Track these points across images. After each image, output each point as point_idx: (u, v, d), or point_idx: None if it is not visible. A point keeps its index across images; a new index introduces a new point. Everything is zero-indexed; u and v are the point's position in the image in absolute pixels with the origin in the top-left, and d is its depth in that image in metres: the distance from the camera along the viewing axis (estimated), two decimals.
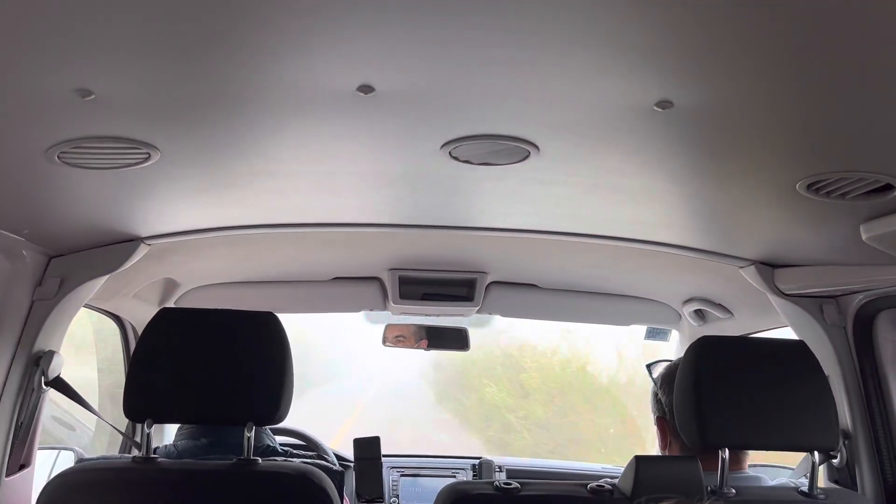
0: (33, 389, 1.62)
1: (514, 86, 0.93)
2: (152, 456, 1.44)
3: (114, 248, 1.67)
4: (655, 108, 0.94)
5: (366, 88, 0.92)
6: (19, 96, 0.91)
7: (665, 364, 1.91)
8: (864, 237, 1.31)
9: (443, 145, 1.13)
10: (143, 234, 1.67)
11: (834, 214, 1.29)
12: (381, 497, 2.56)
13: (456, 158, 1.18)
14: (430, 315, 2.62)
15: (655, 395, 1.79)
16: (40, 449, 1.78)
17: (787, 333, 1.95)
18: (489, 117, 1.03)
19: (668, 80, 0.88)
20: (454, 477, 2.69)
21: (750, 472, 1.67)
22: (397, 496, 2.69)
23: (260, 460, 1.44)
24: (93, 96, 0.91)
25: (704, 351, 1.53)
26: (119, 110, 0.97)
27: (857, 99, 0.90)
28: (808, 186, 1.17)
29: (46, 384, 1.63)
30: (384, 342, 2.99)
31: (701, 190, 1.31)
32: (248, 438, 1.42)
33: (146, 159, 1.15)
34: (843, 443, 1.73)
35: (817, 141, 1.03)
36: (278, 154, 1.21)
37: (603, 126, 1.03)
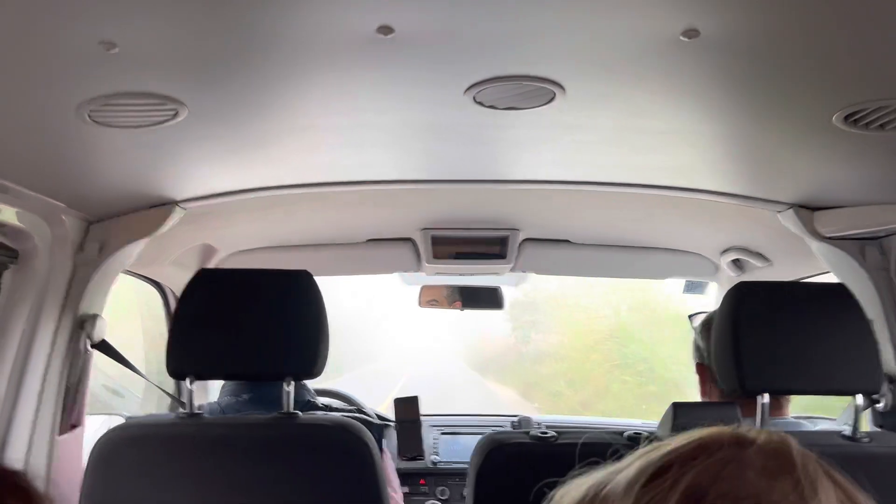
0: (80, 352, 1.67)
1: (536, 22, 0.91)
2: (196, 412, 1.48)
3: (150, 213, 1.70)
4: (682, 37, 0.92)
5: (385, 30, 0.91)
6: (46, 51, 0.93)
7: (706, 314, 1.89)
8: None
9: (466, 89, 1.12)
10: (178, 198, 1.69)
11: (873, 147, 1.25)
12: (422, 454, 2.60)
13: (480, 104, 1.17)
14: (464, 275, 2.62)
15: (695, 342, 1.78)
16: (91, 415, 1.84)
17: (829, 280, 1.91)
18: (512, 57, 1.02)
19: (693, 6, 0.86)
20: None
21: (791, 419, 1.65)
22: (437, 453, 2.73)
23: (300, 413, 1.47)
24: (117, 49, 0.92)
25: (741, 296, 1.50)
26: (144, 64, 0.98)
27: (893, 21, 0.86)
28: (846, 118, 1.13)
29: (92, 346, 1.69)
30: (419, 304, 3.01)
31: (732, 128, 1.28)
32: (288, 393, 1.45)
33: (174, 115, 1.16)
34: (889, 386, 1.70)
35: (853, 68, 0.99)
36: (303, 107, 1.21)
37: (628, 61, 1.01)
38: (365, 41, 0.94)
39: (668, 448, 0.48)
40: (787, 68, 1.02)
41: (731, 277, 2.36)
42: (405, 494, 2.54)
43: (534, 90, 1.11)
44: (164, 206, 1.70)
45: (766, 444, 0.46)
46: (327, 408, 1.80)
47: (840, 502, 0.45)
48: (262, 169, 1.60)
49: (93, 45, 0.91)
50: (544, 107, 1.17)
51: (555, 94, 1.12)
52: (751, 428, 0.48)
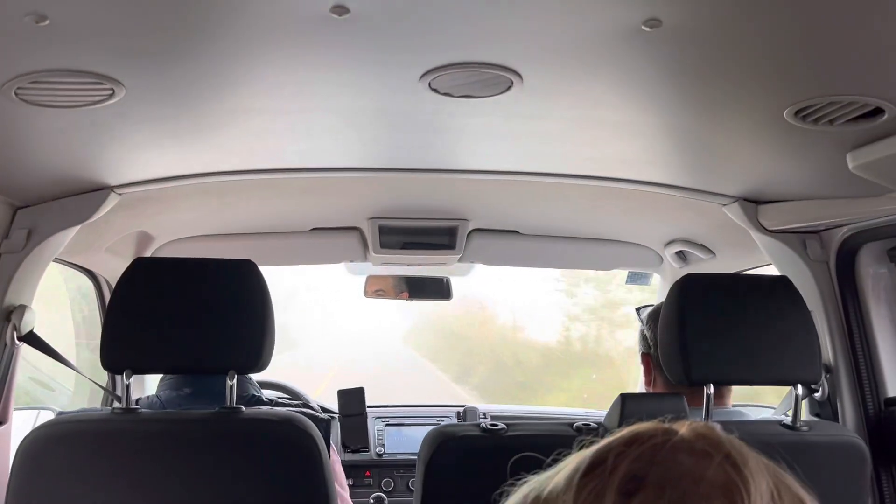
0: (6, 345, 1.58)
1: (496, 8, 0.89)
2: (133, 407, 1.41)
3: (83, 198, 1.61)
4: (643, 27, 0.90)
5: (340, 9, 0.87)
6: None
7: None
8: (850, 166, 1.29)
9: (422, 75, 1.08)
10: (113, 183, 1.61)
11: (821, 143, 1.27)
12: (367, 447, 2.57)
13: (436, 91, 1.14)
14: (412, 265, 2.59)
15: (642, 332, 1.80)
16: (18, 409, 1.74)
17: (770, 273, 1.96)
18: (470, 43, 0.99)
19: None
20: (438, 425, 2.70)
21: (732, 408, 1.69)
22: (383, 445, 2.70)
23: (244, 408, 1.42)
24: (47, 21, 0.85)
25: (688, 288, 1.52)
26: (77, 39, 0.92)
27: (848, 18, 0.87)
28: (797, 113, 1.15)
29: (19, 339, 1.59)
30: (365, 295, 2.97)
31: (687, 121, 1.28)
32: (231, 387, 1.40)
33: (110, 96, 1.09)
34: (825, 376, 1.75)
35: (809, 63, 1.00)
36: (250, 89, 1.16)
37: (589, 50, 0.99)
38: (318, 21, 0.90)
39: (603, 442, 0.51)
40: (744, 62, 1.02)
41: (675, 269, 2.39)
42: (350, 487, 2.50)
43: (491, 78, 1.08)
44: (98, 191, 1.61)
45: (693, 429, 0.50)
46: (272, 402, 1.75)
47: (766, 467, 0.48)
48: (203, 154, 1.53)
49: (21, 17, 0.84)
50: (501, 95, 1.15)
51: (512, 82, 1.09)
52: (677, 419, 0.52)
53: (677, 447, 0.48)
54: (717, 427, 0.50)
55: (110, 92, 1.08)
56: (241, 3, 0.86)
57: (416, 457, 1.57)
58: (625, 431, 0.50)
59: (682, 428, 0.50)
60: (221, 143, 1.45)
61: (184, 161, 1.56)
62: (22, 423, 1.76)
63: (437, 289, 2.87)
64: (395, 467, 2.66)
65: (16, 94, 1.04)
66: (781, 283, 1.57)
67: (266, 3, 0.86)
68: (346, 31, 0.93)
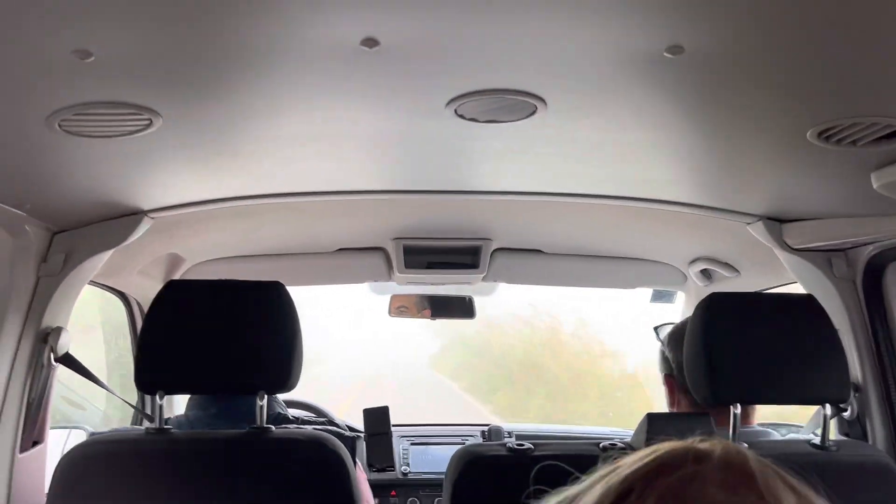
0: (42, 366, 1.62)
1: (521, 36, 0.91)
2: (165, 427, 1.44)
3: (117, 223, 1.66)
4: (666, 54, 0.92)
5: (370, 42, 0.90)
6: (19, 60, 0.90)
7: (671, 325, 1.91)
8: (874, 185, 1.29)
9: (448, 102, 1.11)
10: (147, 208, 1.65)
11: (845, 163, 1.28)
12: (392, 465, 2.58)
13: (461, 116, 1.16)
14: (435, 284, 2.61)
15: (662, 353, 1.79)
16: (51, 429, 1.78)
17: (795, 290, 1.95)
18: (495, 71, 1.01)
19: (678, 23, 0.86)
20: (464, 443, 2.70)
21: (758, 427, 1.68)
22: (408, 464, 2.71)
23: (273, 428, 1.44)
24: (92, 58, 0.89)
25: (714, 307, 1.52)
26: (119, 73, 0.96)
27: (871, 41, 0.88)
28: (820, 134, 1.16)
29: (56, 360, 1.63)
30: (389, 313, 2.99)
31: (710, 142, 1.30)
32: (261, 407, 1.43)
33: (148, 126, 1.13)
34: (854, 395, 1.73)
35: (831, 86, 1.01)
36: (281, 118, 1.19)
37: (612, 76, 1.01)
38: (348, 52, 0.93)
39: (628, 471, 0.48)
40: (766, 85, 1.03)
41: (699, 287, 2.39)
42: None
43: (515, 104, 1.11)
44: (132, 215, 1.66)
45: (723, 458, 0.47)
46: (298, 421, 1.77)
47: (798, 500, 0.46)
48: (233, 178, 1.57)
49: (67, 55, 0.88)
50: (525, 120, 1.17)
51: (536, 107, 1.12)
52: (705, 439, 0.49)
53: (707, 480, 0.46)
54: (749, 453, 0.48)
55: (148, 122, 1.12)
56: (276, 37, 0.89)
57: (441, 476, 1.58)
58: (651, 454, 0.49)
59: (715, 450, 0.48)
60: (252, 168, 1.49)
61: (215, 186, 1.60)
62: (54, 442, 1.80)
63: (460, 307, 2.88)
64: (420, 486, 2.66)
65: (59, 125, 1.08)
66: (807, 301, 1.56)
67: (299, 36, 0.89)
68: (375, 61, 0.96)
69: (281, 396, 1.85)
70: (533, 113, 1.14)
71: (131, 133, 1.15)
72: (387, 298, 2.89)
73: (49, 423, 1.71)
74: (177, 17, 0.83)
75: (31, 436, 1.63)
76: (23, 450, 1.59)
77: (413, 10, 0.84)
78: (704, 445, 0.49)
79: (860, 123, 1.10)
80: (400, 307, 2.98)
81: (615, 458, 0.51)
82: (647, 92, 1.06)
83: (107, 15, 0.82)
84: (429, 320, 3.00)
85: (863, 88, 1.01)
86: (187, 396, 1.76)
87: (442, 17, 0.86)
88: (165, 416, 1.50)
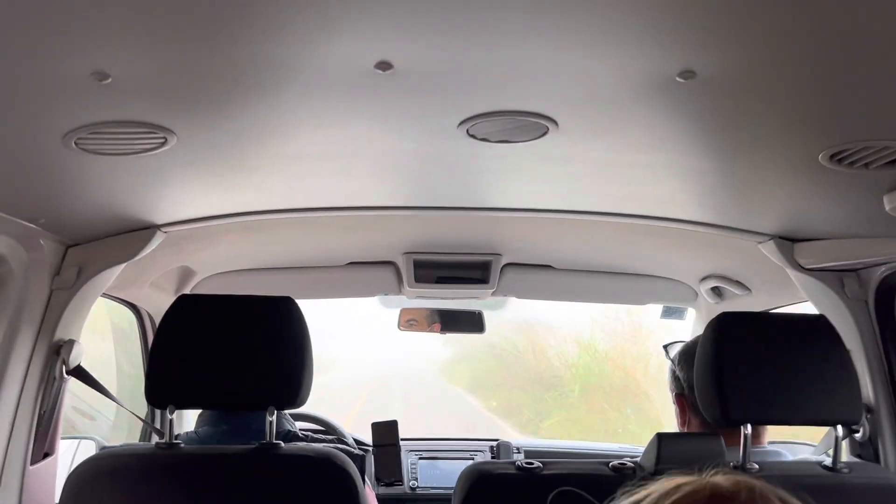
0: (55, 378, 1.63)
1: (534, 59, 0.92)
2: (175, 442, 1.44)
3: (130, 236, 1.67)
4: (678, 78, 0.93)
5: (384, 65, 0.91)
6: (37, 81, 0.91)
7: (681, 343, 1.90)
8: (887, 208, 1.29)
9: (460, 123, 1.12)
10: (160, 222, 1.67)
11: (856, 185, 1.27)
12: (401, 480, 2.57)
13: (473, 136, 1.17)
14: (445, 298, 2.62)
15: (673, 372, 1.78)
16: (61, 439, 1.79)
17: (806, 309, 1.94)
18: (508, 93, 1.02)
19: (690, 48, 0.87)
20: (472, 459, 2.70)
21: (769, 447, 1.66)
22: (416, 478, 2.70)
23: (282, 444, 1.44)
24: (109, 79, 0.90)
25: (725, 326, 1.52)
26: (136, 93, 0.97)
27: (881, 66, 0.88)
28: (831, 157, 1.15)
29: (67, 373, 1.64)
30: (398, 326, 2.99)
31: (721, 163, 1.30)
32: (271, 423, 1.43)
33: (163, 144, 1.14)
34: (866, 416, 1.72)
35: (842, 109, 1.01)
36: (295, 136, 1.20)
37: (624, 99, 1.02)
38: (363, 75, 0.94)
39: None
40: (777, 109, 1.03)
41: (710, 304, 2.38)
42: None
43: (528, 125, 1.11)
44: (145, 229, 1.67)
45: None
46: (308, 438, 1.77)
47: None
48: (246, 194, 1.58)
49: (85, 76, 0.89)
50: (537, 140, 1.18)
51: (548, 128, 1.12)
52: (718, 471, 0.49)
53: None
54: (757, 486, 0.48)
55: (163, 140, 1.13)
56: (292, 59, 0.90)
57: (449, 491, 1.58)
58: (668, 495, 0.49)
59: (729, 487, 0.48)
60: (265, 184, 1.50)
61: (228, 201, 1.61)
62: (63, 453, 1.81)
63: (469, 322, 2.88)
64: (428, 502, 2.66)
65: (75, 143, 1.10)
66: (819, 321, 1.56)
67: (314, 58, 0.90)
68: (389, 83, 0.96)
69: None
70: (545, 134, 1.15)
71: (147, 151, 1.16)
72: (396, 312, 2.89)
73: (60, 434, 1.72)
74: (193, 40, 0.85)
75: (43, 447, 1.64)
76: (34, 461, 1.59)
77: (427, 35, 0.85)
78: (727, 485, 0.48)
79: (872, 147, 1.10)
80: (410, 321, 2.98)
81: (628, 491, 0.51)
82: (659, 115, 1.07)
83: (125, 38, 0.83)
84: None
85: (873, 112, 1.01)
86: (197, 411, 1.76)
87: (455, 41, 0.86)
88: (175, 430, 1.50)
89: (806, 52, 0.86)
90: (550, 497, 1.37)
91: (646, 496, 0.49)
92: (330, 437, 2.26)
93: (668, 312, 2.73)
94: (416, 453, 2.78)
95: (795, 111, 1.03)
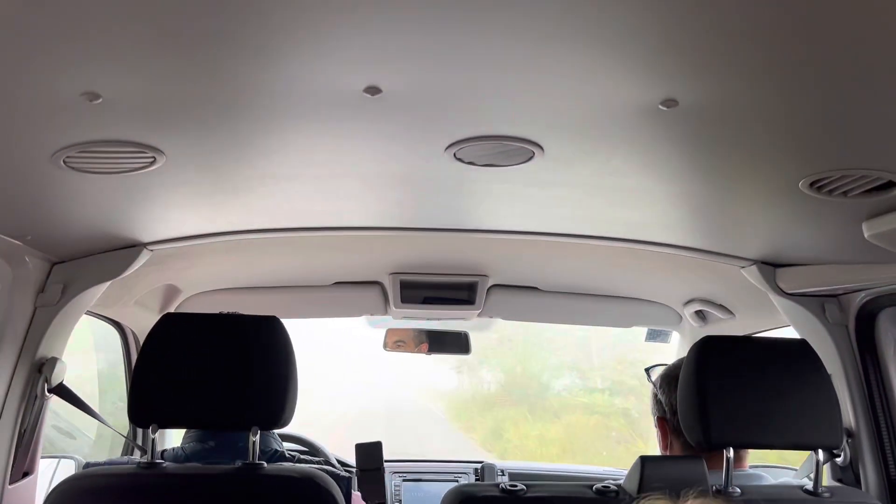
0: (36, 396, 1.62)
1: (520, 86, 0.93)
2: (157, 461, 1.43)
3: (116, 254, 1.67)
4: (661, 106, 0.95)
5: (373, 90, 0.92)
6: (28, 100, 0.92)
7: (662, 367, 1.91)
8: (866, 235, 1.31)
9: (447, 147, 1.13)
10: (146, 240, 1.67)
11: (836, 212, 1.30)
12: (384, 502, 2.55)
13: (460, 160, 1.18)
14: (431, 319, 2.62)
15: (655, 395, 1.79)
16: (41, 458, 1.77)
17: (789, 333, 1.96)
18: (495, 118, 1.04)
19: (673, 78, 0.89)
20: (456, 481, 2.69)
21: (751, 471, 1.67)
22: (400, 500, 2.69)
23: (266, 464, 1.43)
24: (100, 100, 0.91)
25: (707, 350, 1.53)
26: (126, 114, 0.98)
27: (861, 96, 0.90)
28: (811, 184, 1.18)
29: (49, 391, 1.63)
30: (384, 347, 2.99)
31: (704, 189, 1.32)
32: (254, 442, 1.42)
33: (151, 163, 1.15)
34: (847, 441, 1.73)
35: (821, 138, 1.04)
36: (283, 157, 1.21)
37: (608, 126, 1.04)
38: (351, 99, 0.95)
39: None
40: (758, 137, 1.06)
41: (694, 328, 2.40)
42: None
43: (514, 150, 1.13)
44: (131, 247, 1.67)
45: None
46: (294, 458, 1.76)
47: None
48: (233, 214, 1.58)
49: (76, 96, 0.90)
50: (523, 164, 1.19)
51: (534, 153, 1.14)
52: (696, 493, 0.49)
53: None
54: None
55: (152, 160, 1.14)
56: (282, 83, 0.92)
57: None
58: None
59: None
60: (252, 204, 1.50)
61: (214, 220, 1.62)
62: (42, 472, 1.79)
63: (456, 343, 2.89)
64: None
65: (64, 162, 1.10)
66: (801, 346, 1.57)
67: (304, 82, 0.92)
68: (377, 107, 0.98)
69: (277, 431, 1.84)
70: (531, 158, 1.16)
71: (135, 170, 1.17)
72: (382, 332, 2.89)
73: (40, 453, 1.70)
74: (184, 62, 0.86)
75: (22, 466, 1.62)
76: (13, 481, 1.58)
77: (415, 61, 0.86)
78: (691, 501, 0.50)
79: (850, 175, 1.13)
80: (397, 341, 2.98)
81: None
82: (643, 141, 1.09)
83: (116, 60, 0.84)
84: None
85: (851, 142, 1.04)
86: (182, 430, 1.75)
87: (443, 67, 0.88)
88: (158, 448, 1.49)
89: (785, 84, 0.89)
90: None
91: None
92: (317, 458, 2.25)
93: (653, 335, 2.75)
94: (401, 475, 2.77)
95: (775, 140, 1.05)
